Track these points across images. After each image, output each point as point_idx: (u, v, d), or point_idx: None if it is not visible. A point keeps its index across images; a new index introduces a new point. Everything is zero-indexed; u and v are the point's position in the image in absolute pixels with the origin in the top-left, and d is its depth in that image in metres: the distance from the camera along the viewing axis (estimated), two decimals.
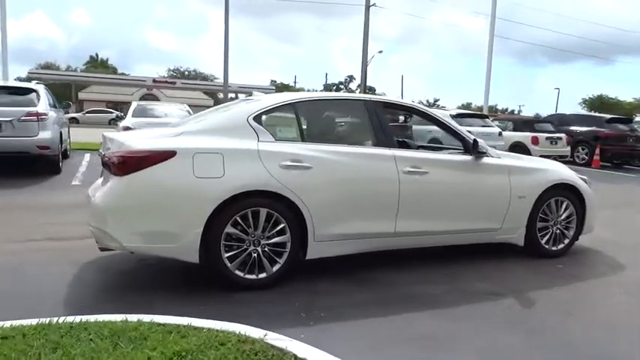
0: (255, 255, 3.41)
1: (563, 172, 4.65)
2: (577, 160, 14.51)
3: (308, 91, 79.14)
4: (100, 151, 3.84)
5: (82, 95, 48.11)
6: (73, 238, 4.80)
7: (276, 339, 2.31)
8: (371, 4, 29.20)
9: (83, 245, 4.56)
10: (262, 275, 3.43)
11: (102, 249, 3.46)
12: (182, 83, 48.11)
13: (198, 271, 3.53)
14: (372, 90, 67.08)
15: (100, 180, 3.91)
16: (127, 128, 9.49)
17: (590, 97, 66.70)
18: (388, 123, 4.03)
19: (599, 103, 62.62)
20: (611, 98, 65.37)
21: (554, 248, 4.56)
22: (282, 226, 3.45)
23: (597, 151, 14.12)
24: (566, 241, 4.62)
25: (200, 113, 4.50)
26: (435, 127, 4.68)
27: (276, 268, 3.47)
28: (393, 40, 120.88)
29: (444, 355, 2.60)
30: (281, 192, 3.41)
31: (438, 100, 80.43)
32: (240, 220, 3.34)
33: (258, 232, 3.40)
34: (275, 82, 72.64)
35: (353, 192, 3.68)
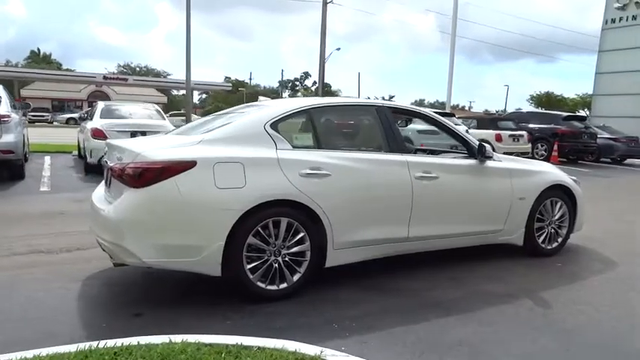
0: (276, 265, 3.33)
1: (558, 174, 4.83)
2: (537, 157, 15.13)
3: (264, 88, 78.61)
4: (106, 160, 3.63)
5: (24, 92, 45.63)
6: (60, 250, 4.57)
7: (332, 355, 2.26)
8: (328, 0, 29.21)
9: (74, 258, 4.36)
10: (283, 285, 3.36)
11: (116, 264, 3.28)
12: (134, 80, 46.55)
13: (208, 282, 3.42)
14: (328, 87, 67.14)
15: (103, 190, 3.72)
16: (97, 130, 9.09)
17: (537, 94, 69.78)
18: (398, 128, 4.03)
19: (546, 99, 65.49)
20: (557, 95, 68.63)
21: (549, 247, 4.73)
22: (301, 235, 3.39)
23: (555, 147, 14.78)
24: (560, 239, 4.80)
25: (205, 119, 4.36)
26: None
27: (296, 277, 3.41)
28: (347, 37, 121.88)
29: None
30: (301, 200, 3.35)
31: (393, 96, 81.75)
32: (261, 231, 3.26)
33: (279, 242, 3.33)
34: (229, 78, 71.52)
35: (369, 198, 3.67)
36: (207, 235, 3.12)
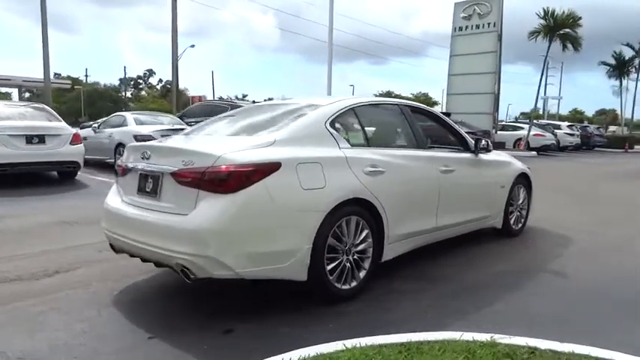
0: (348, 264, 3.33)
1: (520, 164, 5.54)
2: None
3: (104, 85, 71.60)
4: (150, 164, 3.18)
5: None
6: (50, 272, 3.90)
7: (501, 338, 2.37)
8: None
9: (82, 277, 3.77)
10: (353, 284, 3.37)
11: (192, 279, 2.92)
12: None
13: (277, 289, 3.29)
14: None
15: (126, 197, 3.32)
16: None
17: (380, 93, 76.08)
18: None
19: (387, 97, 71.75)
20: (397, 94, 75.65)
21: (516, 228, 5.42)
22: (366, 232, 3.43)
23: None
24: (522, 220, 5.53)
25: (218, 120, 4.09)
26: None
27: (362, 274, 3.43)
28: (190, 33, 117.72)
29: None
30: (367, 198, 3.39)
31: (247, 95, 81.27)
32: (337, 231, 3.22)
33: (349, 241, 3.32)
34: (59, 75, 63.36)
35: (411, 193, 3.84)
36: (297, 238, 2.99)
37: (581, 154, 25.24)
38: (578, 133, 28.24)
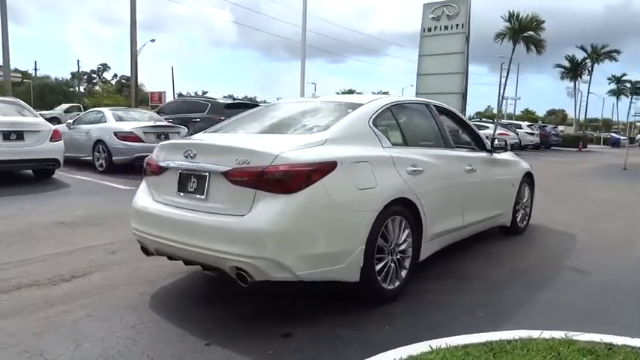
0: (392, 264, 3.31)
1: (525, 162, 5.69)
2: None
3: (56, 79, 68.18)
4: (195, 162, 3.05)
5: None
6: (67, 276, 3.70)
7: (578, 334, 2.42)
8: None
9: (102, 281, 3.59)
10: (397, 284, 3.36)
11: (250, 282, 2.83)
12: None
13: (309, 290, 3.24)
14: (128, 80, 62.02)
15: (159, 197, 3.20)
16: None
17: (342, 91, 76.73)
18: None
19: None
20: (359, 93, 76.33)
21: (522, 226, 5.56)
22: (407, 231, 3.42)
23: None
24: (527, 218, 5.68)
25: (242, 118, 3.98)
26: None
27: (403, 274, 3.43)
28: (145, 27, 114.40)
29: None
30: (410, 198, 3.38)
31: (207, 92, 79.77)
32: (384, 231, 3.20)
33: (394, 241, 3.31)
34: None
35: (445, 192, 3.87)
36: (353, 239, 2.96)
37: (541, 153, 26.21)
38: (537, 132, 29.37)
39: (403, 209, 3.35)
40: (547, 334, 2.40)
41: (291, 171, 2.73)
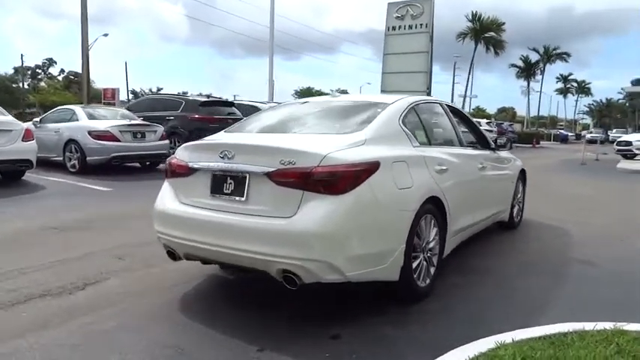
0: (424, 262, 3.35)
1: (518, 160, 5.87)
2: None
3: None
4: (233, 163, 2.95)
5: None
6: (79, 284, 3.54)
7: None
8: None
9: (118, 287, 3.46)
10: (428, 281, 3.39)
11: (299, 285, 2.77)
12: None
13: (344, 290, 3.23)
14: (77, 76, 59.31)
15: (185, 198, 3.11)
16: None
17: (301, 89, 76.68)
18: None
19: (308, 94, 72.45)
20: (317, 90, 76.53)
21: (517, 221, 5.75)
22: (435, 229, 3.46)
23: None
24: (521, 213, 5.87)
25: (279, 116, 3.90)
26: None
27: (432, 271, 3.47)
28: (97, 20, 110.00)
29: None
30: (439, 196, 3.42)
31: (162, 88, 77.54)
32: (418, 230, 3.23)
33: (426, 239, 3.34)
34: None
35: (464, 190, 3.94)
36: (395, 238, 2.96)
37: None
38: (495, 129, 30.37)
39: (433, 208, 3.39)
40: (599, 326, 2.49)
41: (340, 171, 2.70)
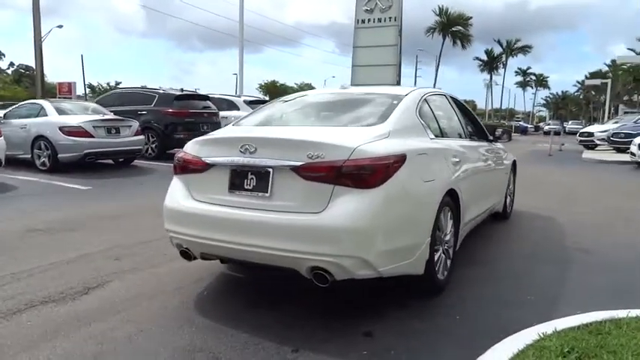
0: (443, 255, 3.33)
1: (510, 152, 5.96)
2: (147, 155, 11.59)
3: None
4: (256, 158, 2.82)
5: None
6: (80, 288, 3.36)
7: None
8: None
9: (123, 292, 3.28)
10: (445, 274, 3.38)
11: (331, 282, 2.69)
12: None
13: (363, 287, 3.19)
14: (28, 70, 56.52)
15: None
16: None
17: (265, 83, 75.83)
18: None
19: (273, 87, 71.72)
20: (282, 84, 75.93)
21: (509, 211, 5.85)
22: (451, 222, 3.45)
23: None
24: (512, 204, 5.97)
25: (293, 108, 3.77)
26: None
27: (448, 263, 3.46)
28: (47, 12, 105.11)
29: None
30: (455, 188, 3.41)
31: (120, 82, 74.77)
32: (438, 223, 3.20)
33: (444, 231, 3.32)
34: None
35: (473, 181, 3.94)
36: (422, 232, 2.93)
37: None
38: None
39: (449, 200, 3.37)
40: (632, 313, 2.53)
41: (371, 165, 2.63)
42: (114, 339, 2.64)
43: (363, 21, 25.01)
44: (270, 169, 2.78)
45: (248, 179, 2.86)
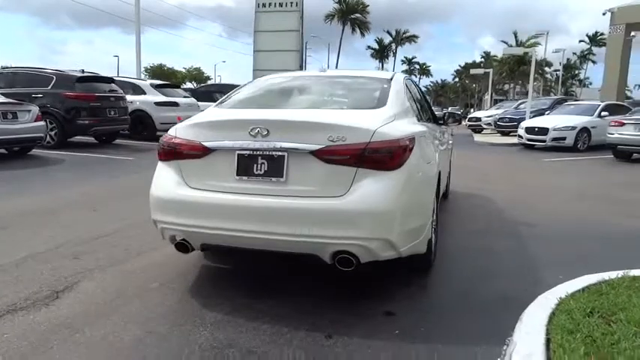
0: (434, 235, 3.45)
1: None
2: (46, 145, 10.25)
3: None
4: (270, 141, 2.66)
5: None
6: (48, 291, 2.98)
7: None
8: None
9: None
10: (433, 251, 3.52)
11: (352, 266, 2.64)
12: None
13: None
14: None
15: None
16: None
17: (152, 66, 71.68)
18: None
19: (160, 71, 68.07)
20: (170, 68, 72.36)
21: (448, 191, 6.22)
22: (436, 202, 3.59)
23: None
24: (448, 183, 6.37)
25: (262, 89, 3.62)
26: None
27: (434, 242, 3.60)
28: None
29: None
30: (440, 169, 3.55)
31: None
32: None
33: (435, 210, 3.44)
34: None
35: (442, 162, 4.10)
36: (429, 212, 3.02)
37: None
38: None
39: (437, 181, 3.51)
40: (618, 274, 2.85)
41: (391, 147, 2.63)
42: (123, 343, 2.38)
43: (264, 5, 24.70)
44: (285, 153, 2.66)
45: (258, 164, 2.70)
